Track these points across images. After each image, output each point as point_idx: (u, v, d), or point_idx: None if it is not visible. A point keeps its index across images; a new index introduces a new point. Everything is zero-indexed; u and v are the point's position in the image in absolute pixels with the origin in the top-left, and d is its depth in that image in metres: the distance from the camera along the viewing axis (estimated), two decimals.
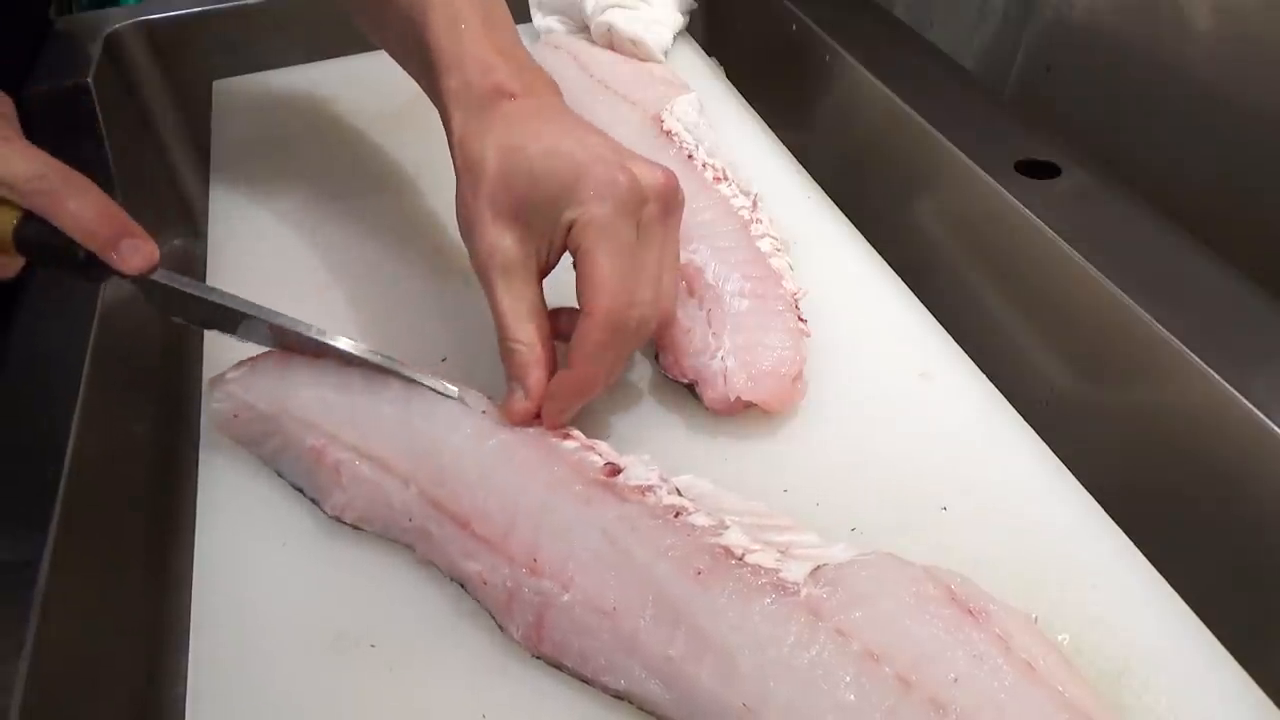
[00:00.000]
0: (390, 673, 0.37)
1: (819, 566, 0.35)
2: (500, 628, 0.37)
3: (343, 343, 0.42)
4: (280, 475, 0.43)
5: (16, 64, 0.69)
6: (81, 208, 0.38)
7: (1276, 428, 0.39)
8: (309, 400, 0.43)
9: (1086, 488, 0.41)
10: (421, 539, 0.39)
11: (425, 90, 0.46)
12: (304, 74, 0.74)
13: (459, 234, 0.42)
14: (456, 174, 0.42)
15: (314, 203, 0.61)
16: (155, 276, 0.41)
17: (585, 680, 0.35)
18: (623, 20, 0.70)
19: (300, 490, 0.43)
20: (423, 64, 0.44)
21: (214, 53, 0.77)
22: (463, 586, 0.39)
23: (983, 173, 0.54)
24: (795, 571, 0.34)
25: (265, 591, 0.40)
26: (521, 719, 0.35)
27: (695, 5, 0.77)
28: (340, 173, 0.64)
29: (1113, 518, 0.40)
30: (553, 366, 0.40)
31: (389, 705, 0.36)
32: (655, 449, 0.41)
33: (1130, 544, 0.39)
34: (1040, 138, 0.56)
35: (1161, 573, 0.38)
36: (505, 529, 0.37)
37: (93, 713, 0.41)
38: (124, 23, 0.76)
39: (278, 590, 0.40)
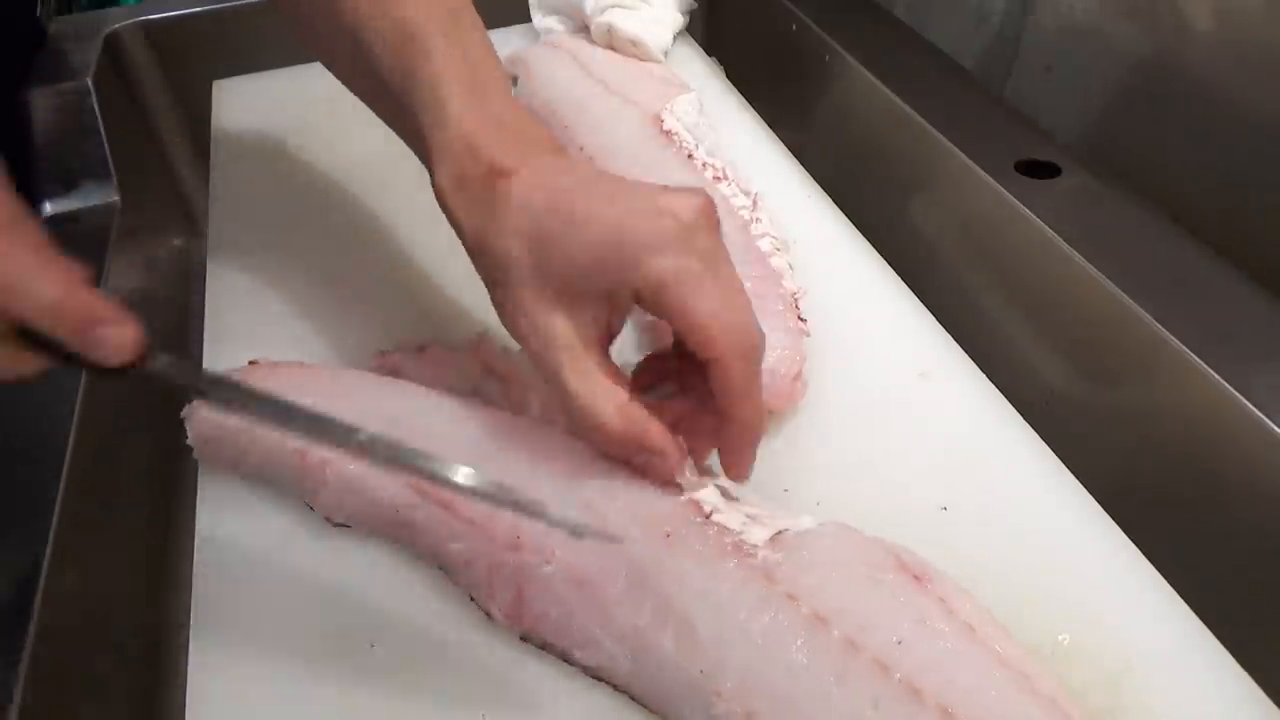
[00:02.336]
0: (390, 673, 0.37)
1: (780, 532, 0.35)
2: (486, 613, 0.37)
3: (461, 475, 0.33)
4: (271, 486, 0.43)
5: (10, 67, 0.69)
6: (38, 294, 0.31)
7: (1276, 428, 0.39)
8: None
9: (1086, 488, 0.41)
10: (407, 529, 0.39)
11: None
12: (304, 74, 0.74)
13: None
14: (483, 277, 0.38)
15: (314, 202, 0.61)
16: (155, 368, 0.33)
17: (565, 658, 0.36)
18: (623, 20, 0.70)
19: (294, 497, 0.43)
20: (418, 150, 0.41)
21: (214, 53, 0.77)
22: (447, 573, 0.39)
23: (983, 173, 0.54)
24: (757, 535, 0.35)
25: (265, 592, 0.40)
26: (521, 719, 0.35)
27: (695, 5, 0.77)
28: (340, 172, 0.64)
29: (1113, 518, 0.40)
30: (650, 417, 0.37)
31: (389, 705, 0.36)
32: None
33: (1130, 544, 0.39)
34: (1040, 138, 0.56)
35: (1161, 573, 0.38)
36: (487, 510, 0.38)
37: (93, 713, 0.41)
38: (124, 23, 0.76)
39: (278, 590, 0.40)
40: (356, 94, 0.46)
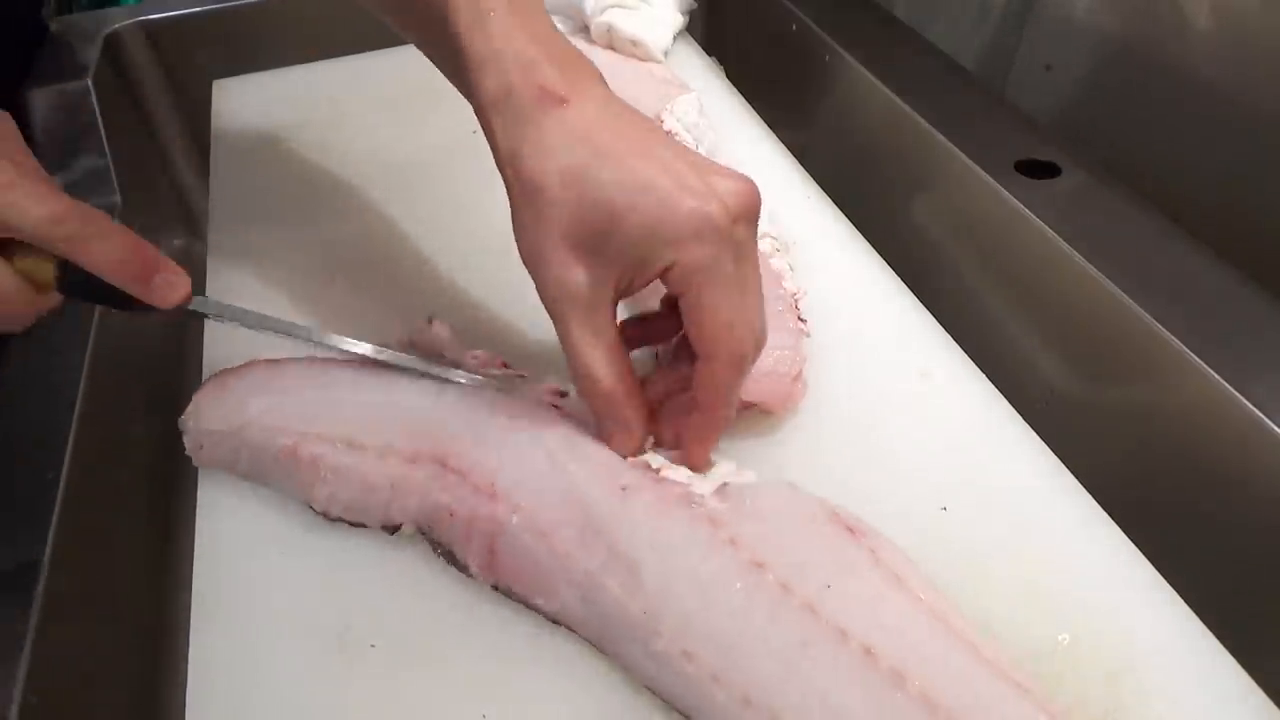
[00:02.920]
0: (390, 673, 0.37)
1: (725, 484, 0.37)
2: (463, 568, 0.39)
3: (388, 355, 0.43)
4: (267, 485, 0.44)
5: (11, 67, 0.69)
6: (106, 250, 0.37)
7: (1276, 428, 0.39)
8: (267, 405, 0.43)
9: (1086, 488, 0.41)
10: (401, 498, 0.40)
11: (460, 91, 0.40)
12: (304, 74, 0.74)
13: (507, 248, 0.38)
14: (509, 195, 0.37)
15: (314, 202, 0.61)
16: (193, 306, 0.41)
17: (530, 606, 0.37)
18: (623, 20, 0.70)
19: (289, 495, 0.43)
20: (452, 63, 0.39)
21: (214, 53, 0.77)
22: (431, 539, 0.40)
23: (983, 173, 0.54)
24: (703, 486, 0.37)
25: (265, 592, 0.40)
26: (521, 719, 0.35)
27: (695, 5, 0.77)
28: (340, 172, 0.64)
29: (1113, 518, 0.40)
30: (638, 391, 0.38)
31: (389, 705, 0.36)
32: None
33: (1130, 544, 0.39)
34: (1040, 138, 0.56)
35: (1161, 573, 0.38)
36: (472, 460, 0.39)
37: (93, 713, 0.41)
38: (124, 23, 0.76)
39: (278, 590, 0.40)
40: (408, 38, 0.44)
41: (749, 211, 0.36)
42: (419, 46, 0.43)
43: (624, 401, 0.37)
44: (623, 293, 0.37)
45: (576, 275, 0.36)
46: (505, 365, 0.43)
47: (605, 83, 0.38)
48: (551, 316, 0.37)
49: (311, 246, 0.57)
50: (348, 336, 0.44)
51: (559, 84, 0.36)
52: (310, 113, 0.70)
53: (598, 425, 0.39)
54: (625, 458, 0.38)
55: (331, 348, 0.44)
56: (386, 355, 0.43)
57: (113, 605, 0.46)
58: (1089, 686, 0.34)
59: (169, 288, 0.39)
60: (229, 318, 0.42)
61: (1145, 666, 0.35)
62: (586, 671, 0.36)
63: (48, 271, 0.38)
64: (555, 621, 0.37)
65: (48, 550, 0.39)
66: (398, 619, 0.38)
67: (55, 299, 0.39)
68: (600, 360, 0.37)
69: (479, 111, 0.37)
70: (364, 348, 0.43)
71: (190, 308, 0.41)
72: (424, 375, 0.43)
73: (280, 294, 0.54)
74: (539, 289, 0.37)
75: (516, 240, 0.37)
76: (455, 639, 0.37)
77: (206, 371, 0.49)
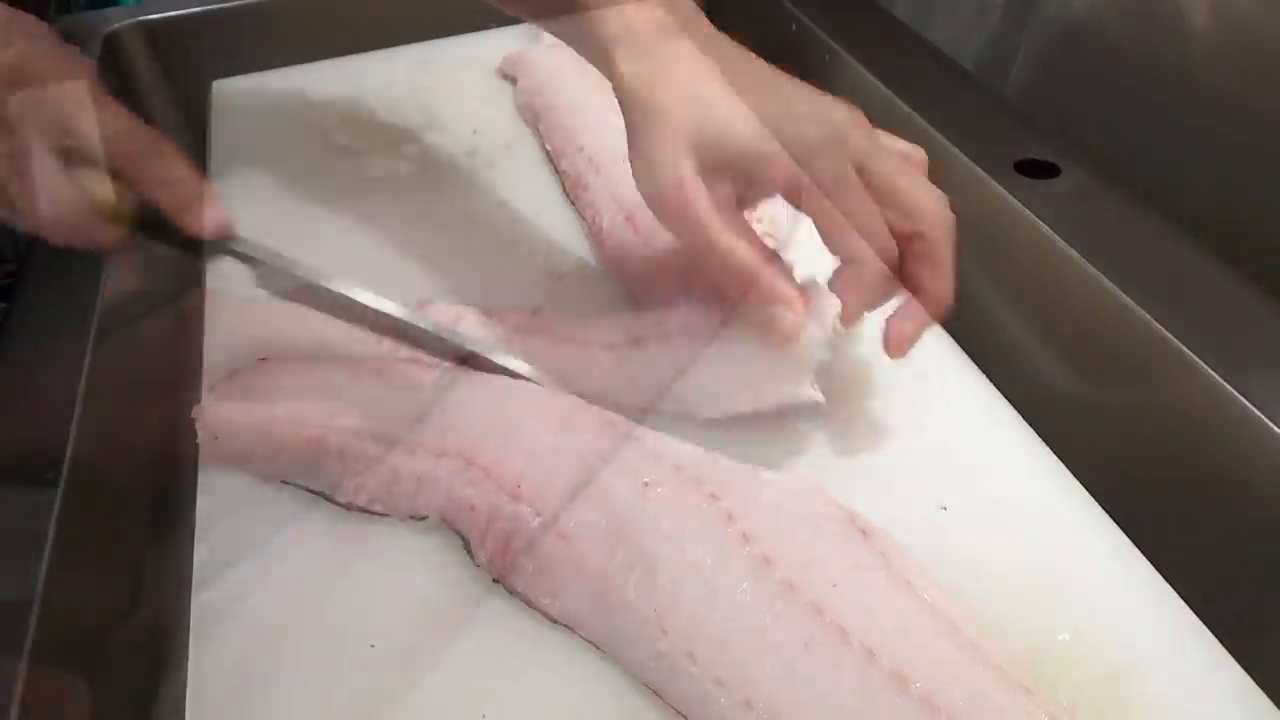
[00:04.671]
0: (390, 673, 0.37)
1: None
2: (471, 556, 0.39)
3: (406, 313, 0.44)
4: (283, 482, 0.44)
5: None
6: (159, 170, 0.40)
7: (1276, 428, 0.39)
8: (293, 398, 0.44)
9: (1086, 488, 0.41)
10: (426, 493, 0.40)
11: (570, 41, 0.44)
12: (304, 74, 0.74)
13: (636, 184, 0.41)
14: (628, 119, 0.41)
15: (313, 203, 0.61)
16: (231, 245, 0.42)
17: (534, 606, 0.38)
18: None
19: (307, 489, 0.43)
20: (565, 4, 0.43)
21: (214, 53, 0.77)
22: (454, 529, 0.40)
23: (982, 173, 0.54)
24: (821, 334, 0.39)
25: (265, 592, 0.40)
26: (521, 719, 0.35)
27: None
28: (340, 172, 0.64)
29: (1113, 518, 0.40)
30: (782, 264, 0.40)
31: (389, 705, 0.36)
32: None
33: (1130, 544, 0.39)
34: (1040, 138, 0.56)
35: (1161, 573, 0.38)
36: (499, 459, 0.40)
37: (93, 713, 0.41)
38: (123, 23, 0.76)
39: (278, 590, 0.40)
40: None
41: (860, 125, 0.40)
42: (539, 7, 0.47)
43: (772, 269, 0.39)
44: (744, 198, 0.40)
45: (700, 179, 0.38)
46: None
47: (704, 16, 0.43)
48: (679, 221, 0.39)
49: (310, 246, 0.57)
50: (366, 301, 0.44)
51: (674, 21, 0.41)
52: (310, 112, 0.70)
53: (760, 319, 0.40)
54: (794, 336, 0.39)
55: (354, 301, 0.44)
56: (405, 313, 0.43)
57: (113, 605, 0.46)
58: (1089, 686, 0.34)
59: (201, 218, 0.41)
60: (259, 260, 0.43)
61: (1145, 666, 0.35)
62: (586, 672, 0.36)
63: (111, 197, 0.40)
64: (556, 622, 0.37)
65: (48, 550, 0.39)
66: (398, 619, 0.38)
67: (115, 233, 0.41)
68: (738, 240, 0.38)
69: (602, 49, 0.41)
70: (388, 305, 0.43)
71: (229, 247, 0.42)
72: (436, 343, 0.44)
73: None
74: (661, 204, 0.39)
75: (633, 161, 0.40)
76: (455, 639, 0.37)
77: (207, 371, 0.49)
